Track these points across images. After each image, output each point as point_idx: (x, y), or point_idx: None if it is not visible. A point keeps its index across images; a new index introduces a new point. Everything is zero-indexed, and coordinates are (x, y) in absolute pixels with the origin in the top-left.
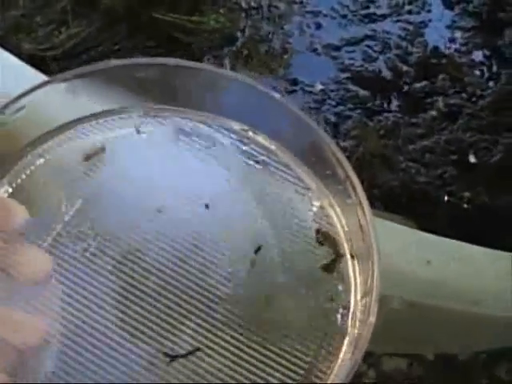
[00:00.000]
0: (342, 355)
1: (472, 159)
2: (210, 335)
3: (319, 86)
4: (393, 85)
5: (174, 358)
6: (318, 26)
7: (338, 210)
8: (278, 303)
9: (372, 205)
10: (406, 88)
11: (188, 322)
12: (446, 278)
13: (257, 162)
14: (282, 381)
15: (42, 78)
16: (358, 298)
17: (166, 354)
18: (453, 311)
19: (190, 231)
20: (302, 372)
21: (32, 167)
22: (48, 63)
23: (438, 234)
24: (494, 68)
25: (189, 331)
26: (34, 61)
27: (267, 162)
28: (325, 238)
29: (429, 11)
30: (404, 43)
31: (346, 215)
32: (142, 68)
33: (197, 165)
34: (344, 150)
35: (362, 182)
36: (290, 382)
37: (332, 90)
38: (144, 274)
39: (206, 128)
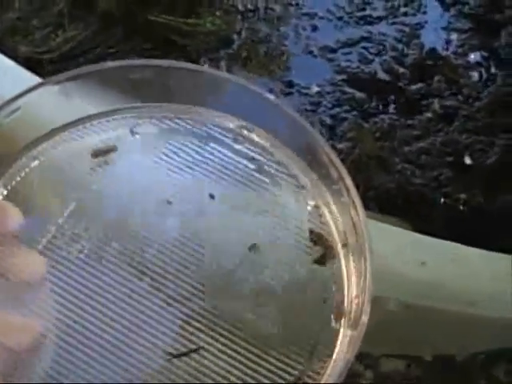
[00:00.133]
0: (335, 355)
1: (468, 161)
2: (202, 335)
3: (315, 88)
4: (389, 87)
5: (173, 356)
6: (314, 28)
7: (332, 208)
8: (271, 303)
9: (368, 206)
10: (401, 90)
11: (182, 322)
12: (442, 280)
13: (251, 161)
14: (274, 381)
15: (37, 80)
16: (352, 297)
17: (165, 353)
18: (449, 312)
19: (184, 231)
20: (295, 372)
21: (27, 169)
22: (44, 66)
23: (434, 235)
24: (490, 70)
25: (184, 331)
26: (31, 63)
27: (262, 160)
28: (318, 237)
29: (424, 13)
30: (400, 45)
31: (339, 214)
32: (135, 69)
33: (191, 164)
34: (340, 151)
35: (358, 184)
36: (282, 382)
37: (328, 92)
38: (138, 274)
39: (201, 127)
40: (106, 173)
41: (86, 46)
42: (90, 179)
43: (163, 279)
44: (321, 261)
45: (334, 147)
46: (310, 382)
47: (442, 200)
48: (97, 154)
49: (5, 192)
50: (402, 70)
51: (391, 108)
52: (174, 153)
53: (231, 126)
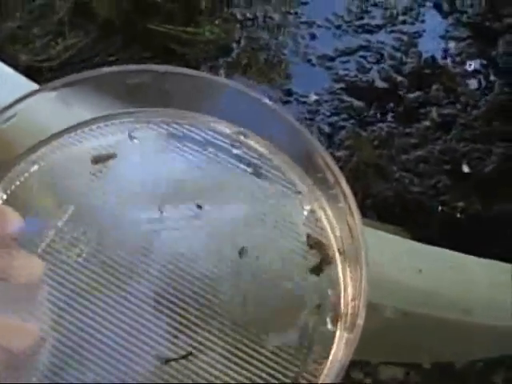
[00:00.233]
0: (331, 357)
1: (465, 169)
2: (200, 338)
3: (313, 97)
4: (387, 95)
5: (167, 361)
6: (313, 37)
7: (328, 213)
8: (268, 306)
9: (366, 214)
10: (399, 98)
11: (180, 326)
12: (439, 288)
13: (248, 166)
14: (275, 378)
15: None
16: (348, 300)
17: (158, 358)
18: (446, 320)
19: (181, 236)
20: (291, 375)
21: (26, 174)
22: (44, 74)
23: (431, 243)
24: (488, 78)
25: (181, 334)
26: (31, 72)
27: (259, 165)
28: (315, 241)
29: (423, 22)
30: (398, 54)
31: (336, 219)
32: (132, 75)
33: (189, 169)
34: (338, 160)
35: (356, 192)
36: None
37: (326, 101)
38: (136, 278)
39: (198, 132)
40: (105, 177)
41: (85, 54)
42: (88, 184)
43: (160, 283)
44: (318, 267)
45: (332, 155)
46: (306, 383)
47: (440, 208)
48: (97, 160)
49: (4, 196)
50: (400, 78)
51: (389, 116)
52: (172, 158)
53: (228, 131)
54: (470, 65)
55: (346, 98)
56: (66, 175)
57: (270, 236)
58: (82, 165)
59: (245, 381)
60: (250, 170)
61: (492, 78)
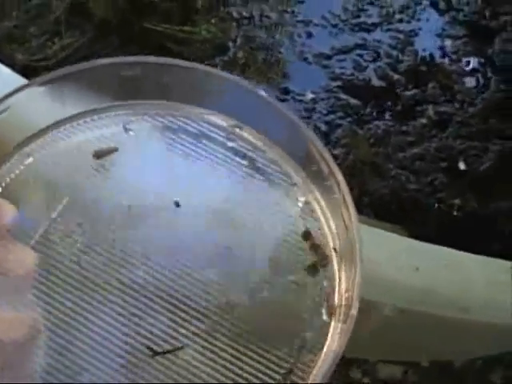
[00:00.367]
0: (325, 348)
1: (462, 166)
2: (190, 334)
3: (310, 95)
4: (383, 93)
5: (157, 353)
6: (309, 35)
7: (323, 205)
8: (263, 297)
9: (362, 212)
10: (396, 96)
11: (173, 318)
12: (435, 285)
13: (243, 158)
14: (266, 374)
15: None
16: (342, 292)
17: (149, 349)
18: (443, 318)
19: (174, 229)
20: (286, 365)
21: (21, 166)
22: (41, 73)
23: (428, 240)
24: (484, 76)
25: (173, 328)
26: (27, 71)
27: (254, 157)
28: (310, 233)
29: (419, 20)
30: (394, 52)
31: (331, 210)
32: (126, 67)
33: (184, 162)
34: (335, 158)
35: (352, 189)
36: (273, 375)
37: (323, 99)
38: (130, 270)
39: (193, 125)
40: (99, 169)
41: (82, 53)
42: (82, 175)
43: (154, 276)
44: (313, 256)
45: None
46: (301, 374)
47: (437, 205)
48: (90, 150)
49: None
50: (396, 76)
51: (386, 114)
52: (167, 150)
53: (223, 124)
54: (467, 63)
55: (342, 96)
56: (61, 168)
57: (266, 228)
58: (77, 157)
59: (240, 372)
60: (245, 162)
61: (488, 75)
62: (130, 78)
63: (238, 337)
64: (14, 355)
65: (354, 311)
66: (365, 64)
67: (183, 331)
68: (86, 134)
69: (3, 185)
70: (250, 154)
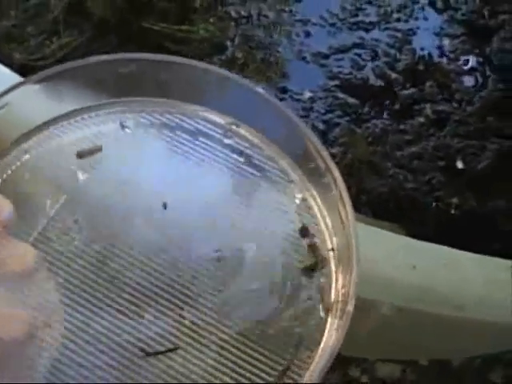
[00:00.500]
0: (322, 344)
1: (460, 165)
2: (186, 333)
3: (308, 94)
4: (381, 92)
5: (149, 354)
6: (307, 35)
7: (320, 202)
8: (261, 294)
9: (360, 211)
10: (394, 95)
11: (167, 318)
12: (433, 284)
13: (240, 155)
14: (264, 371)
15: None
16: (338, 289)
17: (142, 350)
18: (440, 316)
19: (170, 227)
20: (283, 362)
21: (18, 163)
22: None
23: (426, 239)
24: (482, 75)
25: (167, 327)
26: (25, 70)
27: (251, 154)
28: (307, 230)
29: (417, 19)
30: (392, 51)
31: (327, 207)
32: (124, 63)
33: (181, 159)
34: (333, 156)
35: (350, 188)
36: (271, 372)
37: (320, 98)
38: (127, 268)
39: (190, 122)
40: (97, 166)
41: (80, 52)
42: (80, 172)
43: (150, 274)
44: (310, 253)
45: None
46: (298, 370)
47: (434, 204)
48: (88, 147)
49: None
50: (394, 75)
51: (384, 113)
52: (164, 147)
53: (220, 121)
54: (465, 62)
55: (340, 95)
56: (59, 164)
57: (263, 224)
58: (74, 154)
59: (238, 369)
60: (242, 159)
61: (486, 74)
62: (126, 75)
63: (235, 335)
64: (12, 353)
65: (350, 307)
66: (363, 63)
67: (178, 331)
68: (83, 131)
69: (0, 181)
70: (246, 151)
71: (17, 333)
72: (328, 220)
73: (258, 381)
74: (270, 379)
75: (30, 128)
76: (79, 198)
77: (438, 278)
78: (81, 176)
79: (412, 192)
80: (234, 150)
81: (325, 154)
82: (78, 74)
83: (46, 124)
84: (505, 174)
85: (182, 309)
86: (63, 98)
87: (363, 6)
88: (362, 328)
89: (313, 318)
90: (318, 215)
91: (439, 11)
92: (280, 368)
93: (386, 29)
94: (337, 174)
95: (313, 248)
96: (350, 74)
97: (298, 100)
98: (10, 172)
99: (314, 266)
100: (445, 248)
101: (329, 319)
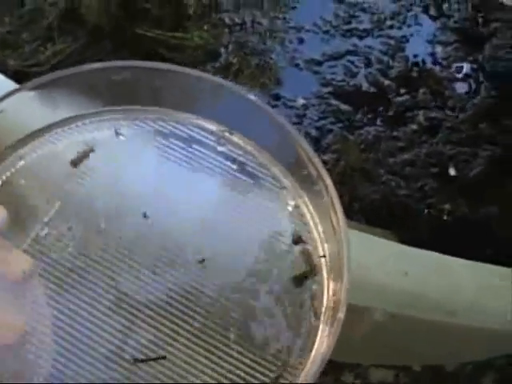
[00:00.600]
0: (314, 351)
1: (452, 172)
2: (178, 340)
3: (301, 101)
4: (374, 99)
5: (138, 361)
6: (301, 41)
7: (311, 208)
8: (253, 301)
9: (353, 218)
10: (387, 102)
11: (158, 325)
12: (424, 290)
13: (233, 162)
14: (259, 373)
15: None
16: (330, 296)
17: (131, 356)
18: (432, 322)
19: (162, 231)
20: (275, 369)
21: (12, 169)
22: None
23: (418, 246)
24: (475, 82)
25: (158, 334)
26: (20, 77)
27: (244, 162)
28: (300, 237)
29: (410, 26)
30: (385, 58)
31: (319, 214)
32: (117, 71)
33: (175, 166)
34: (325, 163)
35: (343, 195)
36: (263, 378)
37: (314, 105)
38: (120, 275)
39: (184, 129)
40: (91, 173)
41: (74, 59)
42: (74, 179)
43: (142, 280)
44: (302, 260)
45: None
46: (290, 377)
47: (427, 211)
48: (82, 154)
49: None
50: (387, 82)
51: (376, 120)
52: (158, 154)
53: (214, 128)
54: (457, 69)
55: (333, 101)
56: (53, 171)
57: (255, 232)
58: (67, 161)
59: (228, 376)
60: (235, 166)
61: (479, 81)
62: (120, 82)
63: (226, 343)
64: (4, 359)
65: (341, 314)
66: (356, 70)
67: (169, 338)
68: (77, 138)
69: None
70: (240, 158)
71: (8, 339)
72: (320, 227)
73: None
74: None
75: (24, 134)
76: (73, 204)
77: (429, 285)
78: (75, 183)
79: (404, 198)
80: (227, 157)
81: (316, 161)
82: (71, 81)
83: (41, 131)
84: (497, 180)
85: (173, 316)
86: (58, 105)
87: (357, 14)
88: (355, 333)
89: (304, 325)
90: (311, 222)
91: (432, 18)
92: (272, 375)
93: (380, 36)
94: (328, 181)
95: (305, 255)
96: (343, 80)
97: (291, 107)
98: (4, 178)
99: (306, 273)
100: (436, 254)
101: (320, 326)
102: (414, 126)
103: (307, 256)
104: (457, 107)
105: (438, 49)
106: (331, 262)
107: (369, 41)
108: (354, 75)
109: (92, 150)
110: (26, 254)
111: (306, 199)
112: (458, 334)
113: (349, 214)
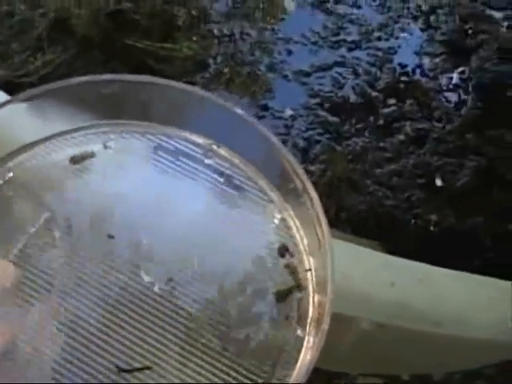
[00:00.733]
0: (299, 362)
1: (439, 182)
2: (162, 351)
3: (289, 112)
4: (361, 110)
5: (123, 370)
6: (289, 53)
7: (297, 222)
8: (238, 313)
9: (339, 228)
10: (374, 113)
11: (142, 335)
12: (410, 300)
13: (221, 176)
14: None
15: None
16: (315, 307)
17: (116, 367)
18: (419, 332)
19: (149, 244)
20: (261, 380)
21: (1, 181)
22: (23, 89)
23: (405, 256)
24: (462, 93)
25: (143, 344)
26: (9, 87)
27: (231, 175)
28: (287, 250)
29: (397, 38)
30: (373, 69)
31: (304, 227)
32: (105, 84)
33: (162, 179)
34: (312, 174)
35: (329, 206)
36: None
37: (301, 116)
38: (106, 286)
39: (171, 142)
40: (79, 186)
41: (64, 69)
42: (62, 191)
43: (128, 291)
44: (288, 272)
45: (306, 170)
46: None
47: (413, 221)
48: (70, 167)
49: None
50: (374, 93)
51: (364, 131)
52: (146, 167)
53: (201, 141)
54: (444, 80)
55: (321, 113)
56: (41, 183)
57: (242, 245)
58: (56, 174)
59: None
60: (222, 179)
61: (465, 93)
62: (109, 95)
63: (211, 354)
64: None
65: (325, 325)
66: (343, 81)
67: (153, 348)
68: (66, 151)
69: None
70: (227, 171)
71: None
72: (305, 240)
73: None
74: None
75: (14, 147)
76: (61, 216)
77: (415, 295)
78: (63, 195)
79: (391, 209)
80: (214, 170)
81: (301, 173)
82: (60, 93)
83: (30, 144)
84: (483, 191)
85: (158, 326)
86: (47, 117)
87: (345, 25)
88: (343, 342)
89: (290, 337)
90: (297, 235)
91: (419, 30)
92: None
93: (367, 47)
94: (313, 194)
95: (291, 268)
96: (331, 92)
97: (279, 118)
98: None
99: (292, 288)
100: (422, 265)
101: (306, 337)
102: (401, 137)
103: (293, 269)
104: (443, 118)
105: (426, 60)
106: (317, 275)
107: (357, 52)
108: (341, 86)
109: (71, 166)
110: (11, 264)
111: (292, 212)
112: (445, 345)
113: (335, 224)
